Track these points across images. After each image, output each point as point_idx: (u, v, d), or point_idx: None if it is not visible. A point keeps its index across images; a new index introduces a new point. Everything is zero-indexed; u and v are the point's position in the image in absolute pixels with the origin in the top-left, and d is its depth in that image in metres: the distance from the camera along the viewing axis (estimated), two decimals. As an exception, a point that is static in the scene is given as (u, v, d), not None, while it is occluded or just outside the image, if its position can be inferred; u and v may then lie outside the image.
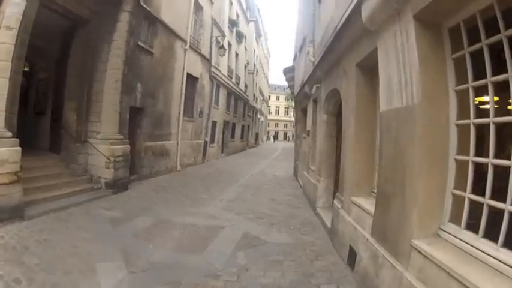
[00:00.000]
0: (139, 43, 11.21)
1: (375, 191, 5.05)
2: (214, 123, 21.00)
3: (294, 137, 15.19)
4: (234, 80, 26.46)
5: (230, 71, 24.97)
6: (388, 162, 3.94)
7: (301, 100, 12.47)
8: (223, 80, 22.25)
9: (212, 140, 20.90)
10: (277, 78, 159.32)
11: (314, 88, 8.39)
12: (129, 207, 7.96)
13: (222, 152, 24.09)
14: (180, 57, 14.60)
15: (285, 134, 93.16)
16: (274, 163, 21.71)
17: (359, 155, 5.18)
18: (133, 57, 10.78)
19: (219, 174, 14.51)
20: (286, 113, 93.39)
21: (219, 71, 20.99)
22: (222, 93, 22.82)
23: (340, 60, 6.13)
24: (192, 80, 16.44)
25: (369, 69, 5.11)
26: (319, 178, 7.92)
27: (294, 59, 14.16)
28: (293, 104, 54.29)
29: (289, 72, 14.56)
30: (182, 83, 14.83)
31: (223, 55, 20.51)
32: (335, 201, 6.12)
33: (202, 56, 17.60)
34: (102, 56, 9.82)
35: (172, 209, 7.92)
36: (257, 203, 9.02)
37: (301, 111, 12.94)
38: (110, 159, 9.48)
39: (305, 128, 12.59)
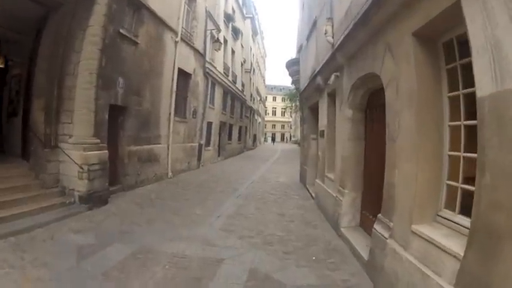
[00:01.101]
0: (121, 30, 9.61)
1: (443, 215, 3.50)
2: (209, 125, 19.33)
3: (300, 139, 13.51)
4: (230, 78, 24.82)
5: (226, 68, 23.33)
6: (498, 177, 2.34)
7: (309, 96, 10.85)
8: (219, 77, 20.60)
9: (208, 143, 19.22)
10: (273, 78, 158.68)
11: (332, 78, 6.76)
12: (104, 229, 6.37)
13: (219, 156, 22.43)
14: (170, 50, 12.95)
15: (282, 135, 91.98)
16: (276, 167, 20.00)
17: (423, 165, 3.55)
18: (113, 46, 9.22)
19: (216, 181, 12.83)
20: (283, 114, 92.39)
21: (215, 67, 19.35)
22: (218, 91, 21.15)
23: (381, 32, 4.51)
24: (184, 76, 14.79)
25: (434, 38, 3.51)
26: (343, 190, 6.28)
27: (299, 50, 12.53)
28: (291, 105, 53.29)
29: (293, 65, 12.92)
30: (173, 79, 13.18)
31: (219, 50, 18.85)
32: (377, 227, 4.48)
33: (196, 51, 15.95)
34: (76, 44, 8.25)
35: (157, 232, 6.27)
36: (263, 220, 7.36)
37: (309, 109, 11.32)
38: (83, 168, 7.89)
39: (314, 128, 10.97)
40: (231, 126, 26.64)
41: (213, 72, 18.87)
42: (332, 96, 7.64)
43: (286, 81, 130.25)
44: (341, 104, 6.61)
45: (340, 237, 6.09)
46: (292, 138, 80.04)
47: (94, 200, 7.97)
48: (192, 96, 15.65)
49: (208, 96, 18.46)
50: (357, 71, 5.63)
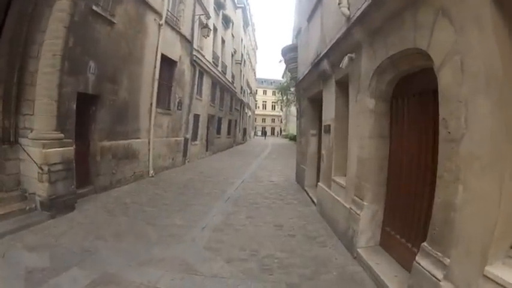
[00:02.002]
0: (94, 8, 8.25)
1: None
2: (196, 117, 17.92)
3: (297, 134, 12.12)
4: (220, 69, 23.37)
5: (215, 57, 21.87)
6: None
7: (309, 85, 9.52)
8: (208, 67, 19.14)
9: (194, 137, 17.82)
10: (264, 72, 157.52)
11: (345, 61, 5.44)
12: (63, 245, 5.07)
13: (207, 151, 21.05)
14: (152, 34, 11.51)
15: (273, 129, 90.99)
16: (268, 163, 18.68)
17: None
18: (84, 25, 7.90)
19: (202, 180, 11.47)
20: (274, 107, 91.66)
21: (203, 56, 17.90)
22: (206, 82, 19.70)
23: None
24: (168, 63, 13.35)
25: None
26: (361, 202, 5.00)
27: (297, 35, 11.16)
28: (282, 98, 52.08)
29: (289, 51, 11.55)
30: (155, 66, 11.75)
31: (208, 36, 17.37)
32: (423, 261, 3.25)
33: (182, 36, 14.51)
34: (41, 23, 6.92)
35: (126, 251, 4.95)
36: (257, 233, 6.03)
37: (308, 101, 9.99)
38: (42, 169, 6.57)
39: (315, 122, 9.71)
40: (220, 119, 25.24)
41: (201, 61, 17.43)
42: (342, 84, 6.35)
43: (277, 74, 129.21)
44: (357, 93, 5.32)
45: (357, 261, 4.82)
46: (283, 133, 79.13)
47: (57, 206, 6.65)
48: (178, 85, 14.22)
49: (196, 87, 17.02)
50: (385, 48, 4.33)
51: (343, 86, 6.43)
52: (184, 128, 15.35)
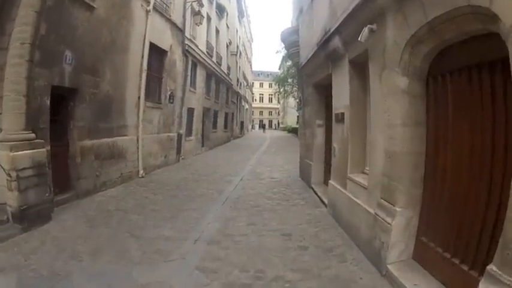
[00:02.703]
0: (70, -10, 7.22)
1: None
2: (190, 111, 16.90)
3: (299, 126, 11.12)
4: (214, 60, 22.29)
5: (210, 48, 20.78)
6: None
7: (314, 70, 8.51)
8: (201, 57, 18.07)
9: (189, 132, 16.82)
10: (260, 64, 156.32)
11: (364, 33, 4.46)
12: (32, 267, 4.16)
13: (203, 146, 20.04)
14: (139, 21, 10.47)
15: (270, 122, 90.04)
16: (267, 158, 17.67)
17: None
18: (59, 10, 6.95)
19: (197, 180, 10.50)
20: (271, 100, 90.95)
21: (196, 45, 16.84)
22: (200, 73, 18.63)
23: None
24: (158, 53, 12.32)
25: None
26: (391, 207, 4.03)
27: (298, 16, 10.11)
28: (279, 90, 51.04)
29: (290, 35, 10.49)
30: (143, 56, 10.72)
31: (200, 23, 16.28)
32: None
33: (173, 24, 13.45)
34: (12, 11, 5.95)
35: (102, 274, 4.03)
36: (261, 246, 5.04)
37: (313, 88, 8.98)
38: (10, 175, 5.60)
39: (322, 111, 8.75)
40: (216, 112, 24.21)
41: (194, 50, 16.36)
42: (358, 64, 5.42)
43: (273, 67, 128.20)
44: (381, 71, 4.33)
45: (388, 280, 3.87)
46: (281, 125, 78.33)
47: (30, 217, 5.69)
48: (169, 77, 13.17)
49: (189, 78, 15.97)
50: (422, 11, 3.35)
51: (359, 66, 5.50)
52: (177, 122, 14.32)
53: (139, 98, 10.47)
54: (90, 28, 8.12)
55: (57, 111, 7.41)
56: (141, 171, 10.60)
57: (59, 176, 7.16)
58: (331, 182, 6.71)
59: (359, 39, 4.59)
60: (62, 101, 7.55)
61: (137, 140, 10.47)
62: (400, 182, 3.93)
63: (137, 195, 8.35)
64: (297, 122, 60.37)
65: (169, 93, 13.12)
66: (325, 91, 8.26)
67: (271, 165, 14.53)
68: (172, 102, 13.50)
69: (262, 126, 68.45)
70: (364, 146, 5.72)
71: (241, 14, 39.50)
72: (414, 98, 3.85)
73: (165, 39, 12.72)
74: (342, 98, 6.11)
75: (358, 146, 5.71)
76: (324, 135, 8.73)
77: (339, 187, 6.17)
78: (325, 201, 7.23)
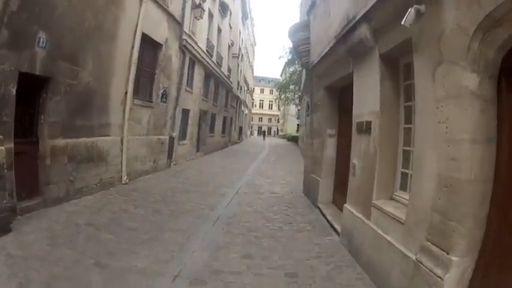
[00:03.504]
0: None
1: None
2: (185, 112, 15.73)
3: (306, 134, 9.88)
4: (214, 60, 21.16)
5: (210, 46, 19.66)
6: None
7: (327, 70, 7.36)
8: (200, 55, 16.93)
9: (183, 136, 15.62)
10: (261, 70, 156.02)
11: (409, 16, 3.33)
12: None
13: (198, 151, 18.85)
14: (131, 7, 9.34)
15: (269, 128, 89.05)
16: (267, 167, 16.44)
17: None
18: None
19: (187, 190, 9.27)
20: (271, 107, 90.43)
21: (195, 42, 15.70)
22: (198, 73, 17.47)
23: None
24: (151, 45, 11.16)
25: None
26: (445, 255, 2.89)
27: (310, 10, 8.90)
28: (280, 96, 50.01)
29: (299, 31, 9.27)
30: (133, 47, 9.55)
31: (201, 17, 15.13)
32: None
33: (170, 16, 12.30)
34: None
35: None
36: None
37: (325, 91, 7.80)
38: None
39: (334, 118, 7.62)
40: (213, 116, 23.03)
41: (193, 47, 15.21)
42: (391, 60, 4.36)
43: (274, 73, 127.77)
44: (435, 67, 3.19)
45: None
46: (280, 133, 77.40)
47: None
48: (162, 73, 11.98)
49: (185, 77, 14.79)
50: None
51: (392, 62, 4.40)
52: (169, 124, 13.10)
53: (126, 93, 9.29)
54: (71, 9, 6.98)
55: (26, 103, 6.27)
56: (125, 177, 9.39)
57: (25, 180, 6.08)
58: (347, 206, 5.51)
59: (402, 22, 3.43)
60: (31, 91, 6.40)
61: (121, 141, 9.27)
62: (462, 221, 2.77)
63: (115, 206, 7.14)
64: (297, 130, 59.74)
65: (162, 91, 11.93)
66: (339, 95, 7.19)
67: (271, 176, 13.29)
68: (165, 102, 12.30)
69: (262, 133, 66.93)
70: (394, 165, 4.56)
71: (245, 15, 38.69)
72: (486, 104, 2.72)
73: (161, 32, 11.56)
74: (367, 102, 4.95)
75: (389, 165, 4.54)
76: (335, 147, 7.57)
77: (358, 215, 4.98)
78: (337, 227, 6.04)
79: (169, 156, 13.16)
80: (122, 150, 9.29)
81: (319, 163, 8.05)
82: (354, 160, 5.34)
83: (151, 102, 11.33)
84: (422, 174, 3.45)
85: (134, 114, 9.91)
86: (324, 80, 7.76)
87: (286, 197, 9.22)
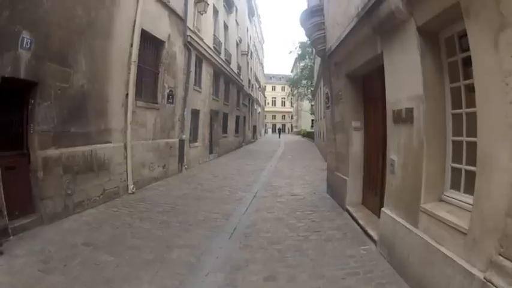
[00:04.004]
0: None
1: None
2: (195, 113, 14.98)
3: (328, 129, 8.98)
4: (223, 57, 20.37)
5: (217, 43, 18.87)
6: None
7: (348, 55, 6.44)
8: (208, 53, 16.12)
9: (194, 138, 14.85)
10: (272, 68, 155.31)
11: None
12: None
13: (211, 153, 18.08)
14: (126, 1, 8.60)
15: (283, 125, 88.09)
16: (284, 166, 15.58)
17: None
18: None
19: (199, 198, 8.46)
20: (283, 104, 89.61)
21: (201, 39, 14.91)
22: (207, 71, 16.68)
23: None
24: (153, 43, 10.40)
25: None
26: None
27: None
28: (293, 92, 49.08)
29: (312, 16, 8.34)
30: (132, 45, 8.81)
31: (204, 12, 14.28)
32: None
33: (172, 11, 11.53)
34: None
35: None
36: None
37: (347, 79, 6.85)
38: None
39: (360, 109, 6.73)
40: (225, 115, 22.22)
41: (199, 44, 14.42)
42: (431, 34, 3.59)
43: (285, 69, 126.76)
44: (497, 34, 2.37)
45: None
46: (294, 129, 76.52)
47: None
48: (167, 72, 11.21)
49: (193, 75, 14.01)
50: None
51: (432, 36, 3.60)
52: (178, 126, 12.34)
53: (127, 95, 8.55)
54: (59, 4, 6.29)
55: (12, 111, 5.65)
56: (131, 186, 8.66)
57: (17, 196, 5.49)
58: (385, 211, 4.60)
59: None
60: (17, 97, 5.74)
61: (125, 147, 8.53)
62: None
63: (119, 220, 6.38)
64: (312, 126, 58.78)
65: (167, 91, 11.17)
66: (363, 82, 6.29)
67: (289, 176, 12.40)
68: (171, 102, 11.54)
69: (277, 130, 65.78)
70: (443, 159, 3.68)
71: (251, 12, 37.89)
72: None
73: (162, 28, 10.79)
74: (406, 86, 4.04)
75: (437, 159, 3.66)
76: (362, 142, 6.66)
77: (401, 221, 4.08)
78: (372, 234, 5.15)
79: (180, 160, 12.40)
80: (126, 157, 8.56)
81: (344, 160, 7.14)
82: (392, 155, 4.43)
83: (157, 103, 10.57)
84: (491, 171, 2.57)
85: (138, 117, 9.17)
86: (345, 67, 6.84)
87: (309, 199, 8.30)
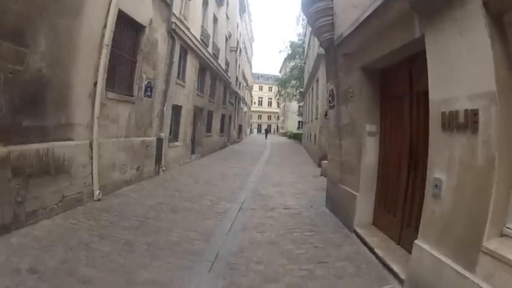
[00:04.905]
0: None
1: None
2: (177, 109, 13.83)
3: (330, 133, 7.84)
4: (211, 51, 19.19)
5: (205, 35, 17.69)
6: None
7: (366, 44, 5.34)
8: (194, 44, 14.93)
9: (174, 136, 13.65)
10: (259, 67, 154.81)
11: None
12: None
13: (194, 153, 16.92)
14: (100, -25, 7.41)
15: (269, 126, 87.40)
16: (272, 171, 14.49)
17: None
18: None
19: (175, 209, 7.29)
20: (270, 104, 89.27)
21: (187, 28, 13.72)
22: (192, 64, 15.50)
23: None
24: (131, 27, 9.18)
25: None
26: None
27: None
28: (282, 93, 48.41)
29: (317, 0, 7.33)
30: (105, 26, 7.59)
31: (192, -2, 13.18)
32: None
33: (156, -6, 10.36)
34: None
35: None
36: None
37: (362, 73, 5.70)
38: None
39: (376, 110, 5.71)
40: (210, 113, 21.04)
41: (184, 33, 13.21)
42: (496, 15, 2.70)
43: (273, 70, 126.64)
44: None
45: None
46: (280, 130, 76.00)
47: None
48: (146, 62, 9.99)
49: (176, 67, 12.81)
50: None
51: (498, 20, 2.78)
52: (157, 123, 11.15)
53: (95, 84, 7.32)
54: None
55: None
56: (97, 192, 7.44)
57: None
58: (421, 244, 3.55)
59: None
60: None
61: (91, 146, 7.31)
62: None
63: (75, 237, 5.20)
64: (298, 127, 58.14)
65: (145, 83, 9.95)
66: (384, 77, 5.32)
67: (279, 182, 11.33)
68: (150, 96, 10.31)
69: (265, 131, 64.27)
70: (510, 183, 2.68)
71: (242, 8, 37.12)
72: None
73: (143, 11, 9.58)
74: (465, 80, 3.04)
75: (508, 183, 2.64)
76: (377, 150, 5.63)
77: (448, 261, 3.07)
78: (395, 268, 4.11)
79: (158, 161, 11.19)
80: (91, 158, 7.34)
81: (353, 171, 6.08)
82: (437, 173, 3.38)
83: (132, 96, 9.34)
84: None
85: (108, 110, 7.96)
86: (360, 58, 5.78)
87: (306, 214, 7.22)
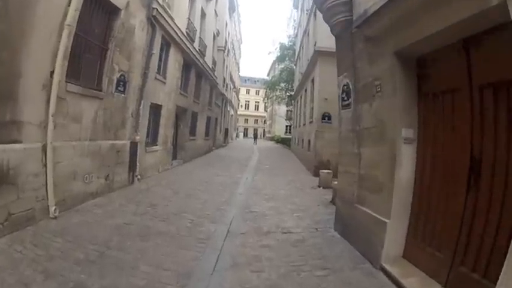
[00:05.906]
0: None
1: None
2: (156, 109, 12.51)
3: (341, 139, 6.59)
4: (197, 47, 17.94)
5: (191, 29, 16.45)
6: None
7: (404, 21, 4.12)
8: (178, 36, 13.63)
9: (153, 140, 12.33)
10: (247, 70, 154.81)
11: None
12: None
13: (175, 158, 15.61)
14: None
15: (255, 130, 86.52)
16: (263, 179, 13.22)
17: None
18: None
19: (146, 232, 5.94)
20: (257, 108, 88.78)
21: (171, 18, 12.44)
22: (175, 58, 14.21)
23: None
24: (103, 9, 7.88)
25: None
26: None
27: None
28: (268, 97, 47.60)
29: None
30: (70, 4, 6.30)
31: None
32: None
33: (134, -26, 9.07)
34: None
35: None
36: None
37: (397, 60, 4.38)
38: None
39: (413, 110, 4.56)
40: (195, 115, 19.72)
41: (167, 23, 11.92)
42: None
43: (261, 73, 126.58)
44: None
45: None
46: (267, 135, 75.25)
47: None
48: (120, 51, 8.65)
49: (155, 60, 11.51)
50: None
51: None
52: (131, 124, 9.81)
53: (52, 74, 5.99)
54: None
55: None
56: (53, 208, 6.11)
57: None
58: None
59: None
60: None
61: (44, 150, 5.98)
62: None
63: (15, 273, 3.91)
64: (286, 132, 57.16)
65: (118, 75, 8.60)
66: (424, 66, 4.31)
67: (272, 195, 10.06)
68: (122, 92, 8.96)
69: (253, 135, 62.32)
70: None
71: (232, 7, 36.59)
72: None
73: (118, -9, 8.30)
74: None
75: None
76: (415, 162, 4.44)
77: None
78: None
79: (132, 168, 9.83)
80: (45, 165, 6.00)
81: (380, 189, 4.85)
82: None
83: (100, 90, 7.96)
84: None
85: (68, 107, 6.61)
86: (394, 40, 4.52)
87: (312, 242, 5.91)
